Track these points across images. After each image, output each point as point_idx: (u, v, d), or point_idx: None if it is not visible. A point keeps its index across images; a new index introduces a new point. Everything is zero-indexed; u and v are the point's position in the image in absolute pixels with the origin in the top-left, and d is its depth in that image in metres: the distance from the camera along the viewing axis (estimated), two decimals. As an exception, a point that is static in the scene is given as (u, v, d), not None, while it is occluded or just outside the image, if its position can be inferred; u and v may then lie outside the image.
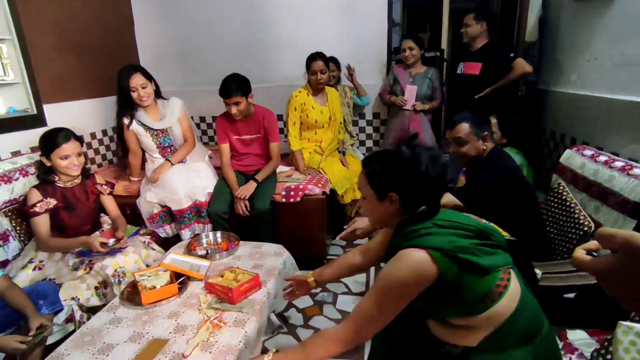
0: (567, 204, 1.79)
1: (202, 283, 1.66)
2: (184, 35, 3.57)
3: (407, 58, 2.97)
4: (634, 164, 1.67)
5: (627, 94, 1.92)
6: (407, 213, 1.04)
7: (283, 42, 3.44)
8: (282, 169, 2.80)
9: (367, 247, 1.41)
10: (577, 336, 1.27)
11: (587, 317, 1.45)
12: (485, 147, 1.76)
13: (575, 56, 2.45)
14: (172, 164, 2.47)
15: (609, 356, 1.14)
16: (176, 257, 1.78)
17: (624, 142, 1.91)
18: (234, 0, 3.39)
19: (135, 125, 2.42)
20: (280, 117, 3.36)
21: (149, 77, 2.38)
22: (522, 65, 2.52)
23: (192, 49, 3.60)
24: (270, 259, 1.87)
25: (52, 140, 1.84)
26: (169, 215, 2.45)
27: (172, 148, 2.56)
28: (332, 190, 2.63)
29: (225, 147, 2.53)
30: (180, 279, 1.64)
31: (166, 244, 2.35)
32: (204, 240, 2.09)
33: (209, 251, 1.98)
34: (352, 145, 3.26)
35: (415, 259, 0.91)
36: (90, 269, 1.79)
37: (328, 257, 2.75)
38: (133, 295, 1.57)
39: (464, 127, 1.73)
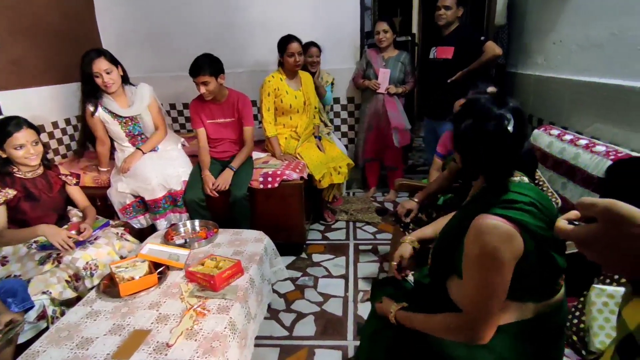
0: (536, 181, 1.87)
1: (182, 272, 1.63)
2: (151, 18, 3.41)
3: (381, 41, 2.98)
4: (597, 141, 1.76)
5: (591, 75, 2.01)
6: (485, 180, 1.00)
7: (255, 25, 3.35)
8: (258, 155, 2.77)
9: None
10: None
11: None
12: None
13: (541, 39, 2.53)
14: (144, 153, 2.38)
15: (583, 318, 1.22)
16: (154, 247, 1.73)
17: (588, 122, 2.01)
18: (202, -19, 3.26)
19: (101, 113, 2.31)
20: (254, 103, 3.30)
21: (114, 61, 2.26)
22: (492, 48, 2.58)
23: (160, 33, 3.45)
24: (250, 246, 1.86)
25: (2, 130, 1.72)
26: (143, 205, 2.38)
27: (143, 136, 2.46)
28: (310, 175, 2.63)
29: (201, 131, 2.47)
30: (159, 269, 1.60)
31: (141, 235, 2.28)
32: (182, 229, 2.05)
33: (188, 240, 1.94)
34: (328, 134, 3.25)
35: (505, 231, 0.85)
36: (59, 262, 1.71)
37: (308, 242, 2.76)
38: (110, 287, 1.52)
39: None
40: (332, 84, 3.24)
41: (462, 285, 0.94)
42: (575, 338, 1.24)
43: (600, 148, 1.65)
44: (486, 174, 0.99)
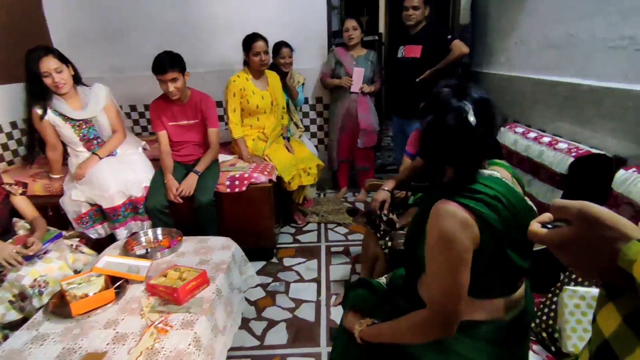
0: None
1: (143, 285, 1.52)
2: (106, 14, 3.21)
3: (351, 38, 2.95)
4: (559, 139, 1.81)
5: (551, 74, 2.07)
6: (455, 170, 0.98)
7: (219, 23, 3.24)
8: (225, 157, 2.67)
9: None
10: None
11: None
12: None
13: (504, 39, 2.59)
14: (101, 158, 2.23)
15: (552, 314, 1.23)
16: (111, 260, 1.62)
17: (549, 119, 2.06)
18: (160, -24, 3.11)
19: (51, 116, 2.14)
20: (220, 104, 3.18)
21: (64, 60, 2.10)
22: (459, 47, 2.61)
23: (117, 30, 3.26)
24: (217, 253, 1.77)
25: None
26: (100, 214, 2.23)
27: (99, 140, 2.31)
28: (279, 178, 2.56)
29: (163, 134, 2.34)
30: (117, 284, 1.49)
31: (99, 245, 2.13)
32: (143, 239, 1.93)
33: (149, 250, 1.83)
34: (300, 137, 3.19)
35: (462, 217, 0.84)
36: (1, 281, 1.55)
37: (278, 245, 2.69)
38: (60, 306, 1.39)
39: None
40: (303, 84, 3.19)
41: (427, 275, 0.92)
42: (544, 335, 1.25)
43: (563, 145, 1.69)
44: (453, 166, 0.97)
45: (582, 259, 0.48)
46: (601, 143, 1.66)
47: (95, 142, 2.29)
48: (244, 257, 1.91)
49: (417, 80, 2.72)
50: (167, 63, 2.11)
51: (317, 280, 2.32)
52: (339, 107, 3.14)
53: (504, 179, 0.95)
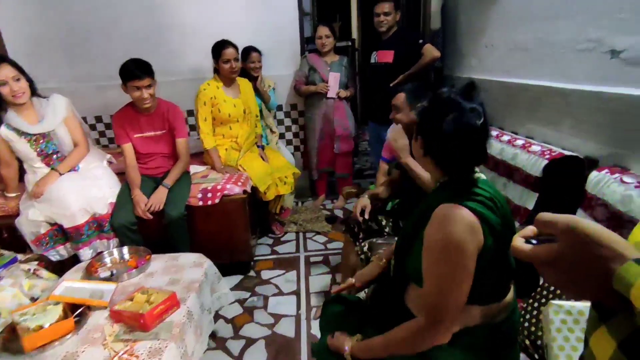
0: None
1: (106, 311, 1.41)
2: (67, 22, 3.06)
3: (324, 45, 2.93)
4: (532, 141, 1.82)
5: (521, 77, 2.09)
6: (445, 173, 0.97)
7: (187, 29, 3.14)
8: (197, 169, 2.56)
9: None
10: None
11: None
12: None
13: (474, 42, 2.61)
14: (61, 174, 2.09)
15: (533, 320, 1.20)
16: (71, 285, 1.50)
17: (521, 122, 2.08)
18: (124, -19, 2.99)
19: (4, 131, 1.99)
20: (191, 113, 3.08)
21: (19, 69, 1.96)
22: (431, 51, 2.62)
23: (79, 38, 3.10)
24: (189, 272, 1.67)
25: None
26: (62, 234, 2.08)
27: (59, 155, 2.17)
28: (254, 188, 2.48)
29: (128, 147, 2.22)
30: (77, 311, 1.37)
31: (61, 268, 1.98)
32: (108, 259, 1.81)
33: (115, 271, 1.71)
34: (276, 144, 3.12)
35: (471, 221, 0.83)
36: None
37: (255, 258, 2.61)
38: (11, 341, 1.26)
39: (401, 96, 1.80)
40: (274, 89, 3.13)
41: (423, 281, 0.89)
42: (527, 342, 1.22)
43: (536, 148, 1.70)
44: (451, 167, 0.96)
45: (570, 278, 0.44)
46: (573, 145, 1.67)
47: (54, 156, 2.15)
48: (217, 274, 1.82)
49: (391, 85, 2.70)
50: (142, 68, 2.05)
51: (296, 293, 2.25)
52: (316, 113, 3.09)
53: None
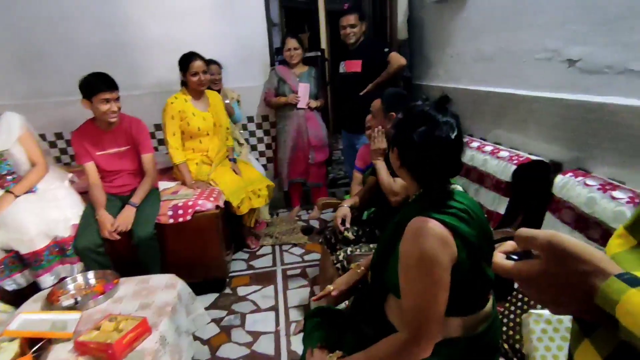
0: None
1: (70, 344, 1.31)
2: (20, 37, 2.90)
3: (292, 57, 2.93)
4: (500, 147, 1.87)
5: (486, 85, 2.16)
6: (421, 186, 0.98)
7: (153, 42, 3.05)
8: (166, 185, 2.48)
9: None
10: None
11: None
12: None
13: (440, 52, 2.68)
14: (16, 196, 1.96)
15: (510, 324, 1.22)
16: (29, 317, 1.39)
17: (489, 128, 2.14)
18: (84, -7, 2.88)
19: (-48, 152, 1.85)
20: (158, 127, 2.99)
21: None
22: (397, 59, 2.66)
23: (36, 52, 2.95)
24: (160, 294, 1.59)
25: None
26: (19, 260, 1.94)
27: (15, 176, 2.03)
28: (227, 202, 2.42)
29: (90, 166, 2.11)
30: (37, 346, 1.27)
31: (21, 297, 1.84)
32: (71, 286, 1.69)
33: (79, 299, 1.60)
34: (246, 155, 3.07)
35: (442, 234, 0.83)
36: None
37: (231, 274, 2.53)
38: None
39: (377, 102, 1.82)
40: (238, 101, 3.09)
41: (402, 296, 0.89)
42: (506, 346, 1.24)
43: (504, 153, 1.75)
44: (425, 179, 0.97)
45: (553, 294, 0.44)
46: (539, 149, 1.73)
47: (9, 177, 2.01)
48: (191, 295, 1.74)
49: (361, 94, 2.73)
50: (110, 80, 2.00)
51: (274, 309, 2.19)
52: (289, 124, 3.08)
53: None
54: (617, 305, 0.36)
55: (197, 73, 2.38)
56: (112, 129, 2.12)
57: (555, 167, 1.60)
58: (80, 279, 1.72)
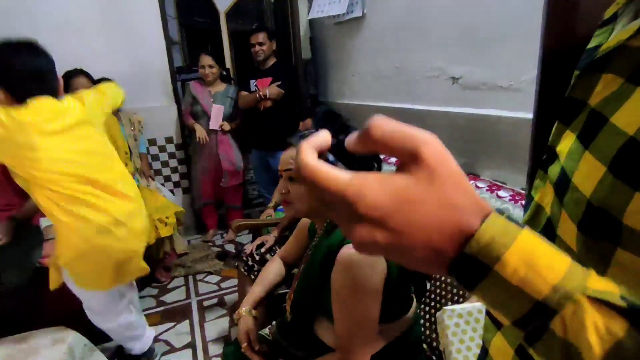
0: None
1: None
2: None
3: (207, 75, 2.82)
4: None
5: (385, 101, 2.32)
6: None
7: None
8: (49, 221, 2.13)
9: (285, 253, 1.29)
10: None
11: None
12: None
13: (342, 71, 2.83)
14: None
15: (427, 325, 1.27)
16: None
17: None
18: None
19: None
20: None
21: None
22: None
23: None
24: (45, 354, 1.33)
25: None
26: None
27: None
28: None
29: None
30: None
31: None
32: None
33: None
34: (147, 185, 2.78)
35: (367, 258, 0.82)
36: None
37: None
38: None
39: (308, 122, 1.80)
40: (142, 127, 2.84)
41: (335, 321, 0.89)
42: (425, 346, 1.29)
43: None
44: None
45: (416, 229, 0.28)
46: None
47: None
48: (88, 346, 1.50)
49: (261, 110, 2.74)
50: None
51: (191, 345, 2.01)
52: (200, 146, 2.92)
53: None
54: (506, 251, 0.26)
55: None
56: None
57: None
58: None
